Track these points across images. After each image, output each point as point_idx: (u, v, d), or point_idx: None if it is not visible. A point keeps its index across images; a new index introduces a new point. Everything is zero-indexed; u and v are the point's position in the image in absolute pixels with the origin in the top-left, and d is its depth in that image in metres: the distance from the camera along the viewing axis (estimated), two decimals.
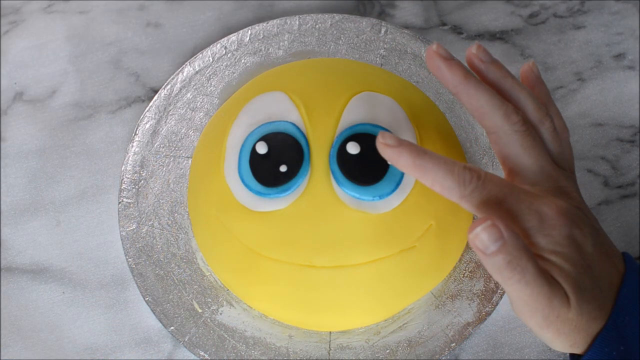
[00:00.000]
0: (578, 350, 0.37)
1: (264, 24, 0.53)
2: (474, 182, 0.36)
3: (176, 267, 0.48)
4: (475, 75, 0.39)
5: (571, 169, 0.40)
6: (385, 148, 0.37)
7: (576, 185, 0.40)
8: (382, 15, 0.56)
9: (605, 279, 0.36)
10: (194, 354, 0.46)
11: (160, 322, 0.47)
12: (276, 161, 0.44)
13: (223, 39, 0.53)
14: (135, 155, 0.51)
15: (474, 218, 0.48)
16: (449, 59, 0.38)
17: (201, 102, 0.52)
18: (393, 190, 0.43)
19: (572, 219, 0.36)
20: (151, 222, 0.49)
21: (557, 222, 0.36)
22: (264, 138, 0.44)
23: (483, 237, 0.34)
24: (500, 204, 0.36)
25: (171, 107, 0.52)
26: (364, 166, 0.43)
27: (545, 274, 0.35)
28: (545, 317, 0.35)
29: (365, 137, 0.43)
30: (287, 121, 0.45)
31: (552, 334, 0.36)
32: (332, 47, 0.53)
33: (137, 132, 0.51)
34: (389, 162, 0.37)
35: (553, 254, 0.35)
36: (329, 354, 0.46)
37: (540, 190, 0.37)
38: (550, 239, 0.36)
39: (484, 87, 0.38)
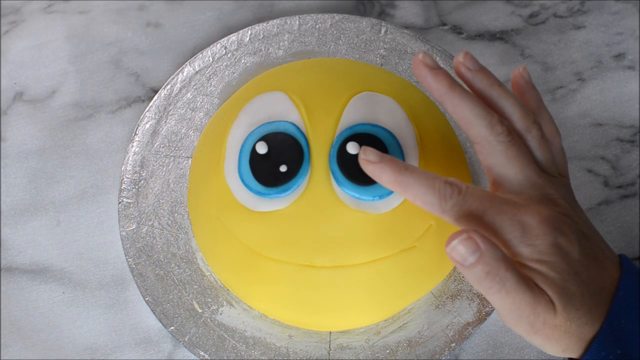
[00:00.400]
0: (573, 354, 0.37)
1: (264, 24, 0.53)
2: (455, 197, 0.36)
3: (176, 267, 0.48)
4: (462, 83, 0.39)
5: (562, 173, 0.40)
6: (367, 164, 0.38)
7: (566, 190, 0.39)
8: (382, 15, 0.56)
9: (596, 284, 0.36)
10: (194, 354, 0.46)
11: (160, 322, 0.47)
12: (276, 161, 0.44)
13: (223, 39, 0.53)
14: (135, 155, 0.51)
15: None
16: (435, 68, 0.38)
17: (201, 102, 0.52)
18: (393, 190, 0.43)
19: (557, 226, 0.36)
20: (151, 222, 0.49)
21: (541, 231, 0.36)
22: (264, 138, 0.44)
23: (460, 250, 0.34)
24: (481, 217, 0.36)
25: (171, 107, 0.52)
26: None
27: (527, 282, 0.35)
28: (531, 324, 0.35)
29: (365, 137, 0.43)
30: (287, 121, 0.45)
31: (541, 340, 0.36)
32: (332, 47, 0.53)
33: (137, 132, 0.51)
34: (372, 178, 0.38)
35: (538, 263, 0.36)
36: (329, 354, 0.46)
37: (525, 199, 0.37)
38: (534, 249, 0.36)
39: (469, 97, 0.38)
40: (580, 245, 0.36)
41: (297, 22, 0.54)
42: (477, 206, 0.36)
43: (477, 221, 0.36)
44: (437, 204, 0.36)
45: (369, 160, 0.37)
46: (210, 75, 0.53)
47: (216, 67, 0.53)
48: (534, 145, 0.39)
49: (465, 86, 0.39)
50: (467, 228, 0.35)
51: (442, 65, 0.51)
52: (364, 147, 0.38)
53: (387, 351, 0.46)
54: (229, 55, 0.53)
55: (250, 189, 0.44)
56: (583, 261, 0.36)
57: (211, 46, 0.53)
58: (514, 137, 0.38)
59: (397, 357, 0.46)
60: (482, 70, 0.39)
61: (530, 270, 0.36)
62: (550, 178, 0.39)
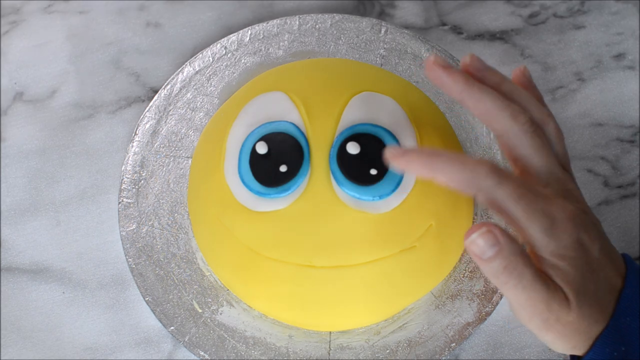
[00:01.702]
0: (579, 352, 0.37)
1: (264, 24, 0.53)
2: (492, 177, 0.35)
3: (176, 267, 0.48)
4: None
5: (571, 170, 0.40)
6: (393, 160, 0.37)
7: (578, 187, 0.40)
8: (382, 15, 0.56)
9: (609, 282, 0.36)
10: (194, 354, 0.46)
11: (160, 322, 0.47)
12: (276, 161, 0.44)
13: (223, 39, 0.53)
14: (135, 155, 0.51)
15: (474, 218, 0.48)
16: (449, 67, 0.38)
17: (201, 102, 0.52)
18: (393, 190, 0.43)
19: (581, 223, 0.36)
20: (151, 222, 0.49)
21: (567, 226, 0.36)
22: (264, 138, 0.44)
23: (479, 243, 0.34)
24: (513, 202, 0.35)
25: (171, 107, 0.52)
26: (364, 166, 0.43)
27: (543, 278, 0.35)
28: (544, 320, 0.35)
29: (365, 137, 0.43)
30: (287, 121, 0.45)
31: (553, 337, 0.36)
32: (332, 47, 0.53)
33: (137, 132, 0.51)
34: (404, 172, 0.37)
35: (559, 258, 0.35)
36: (329, 354, 0.46)
37: (552, 193, 0.37)
38: (559, 243, 0.35)
39: (488, 90, 0.38)
40: (599, 243, 0.37)
41: (297, 22, 0.54)
42: (514, 190, 0.35)
43: (507, 206, 0.35)
44: (472, 182, 0.35)
45: (394, 155, 0.36)
46: (210, 75, 0.53)
47: (216, 67, 0.53)
48: (552, 138, 0.39)
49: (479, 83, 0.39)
50: (486, 222, 0.34)
51: None
52: (387, 146, 0.37)
53: (387, 351, 0.46)
54: (229, 55, 0.53)
55: (250, 189, 0.44)
56: (601, 259, 0.36)
57: (211, 46, 0.53)
58: (537, 127, 0.38)
59: (397, 357, 0.46)
60: (490, 69, 0.39)
61: (549, 265, 0.36)
62: (568, 173, 0.39)
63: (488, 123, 0.38)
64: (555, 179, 0.37)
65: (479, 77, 0.39)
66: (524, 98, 0.39)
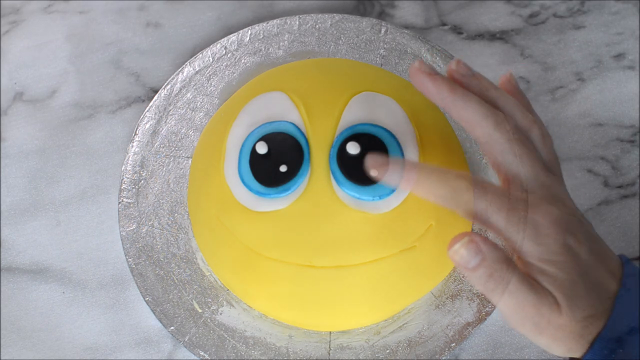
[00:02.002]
0: (577, 354, 0.37)
1: (264, 24, 0.53)
2: (470, 192, 0.36)
3: (176, 267, 0.48)
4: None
5: (560, 174, 0.40)
6: (373, 170, 0.37)
7: (567, 191, 0.40)
8: (382, 15, 0.56)
9: (601, 284, 0.36)
10: (194, 354, 0.46)
11: (160, 322, 0.47)
12: (276, 161, 0.44)
13: (223, 39, 0.53)
14: (135, 155, 0.51)
15: None
16: (433, 74, 0.38)
17: (201, 102, 0.52)
18: (393, 190, 0.43)
19: (567, 226, 0.36)
20: (151, 222, 0.49)
21: (552, 231, 0.36)
22: (264, 138, 0.44)
23: (462, 253, 0.35)
24: (494, 213, 0.36)
25: (171, 107, 0.52)
26: (364, 166, 0.43)
27: (530, 283, 0.35)
28: (536, 325, 0.36)
29: (365, 137, 0.43)
30: (287, 121, 0.45)
31: (547, 340, 0.36)
32: (332, 47, 0.53)
33: (137, 132, 0.51)
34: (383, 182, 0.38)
35: (546, 263, 0.36)
36: (329, 354, 0.46)
37: (535, 199, 0.37)
38: (544, 248, 0.36)
39: (472, 97, 0.38)
40: (588, 245, 0.37)
41: (297, 22, 0.54)
42: (493, 201, 0.36)
43: (488, 217, 0.36)
44: (450, 197, 0.36)
45: (374, 165, 0.37)
46: (210, 75, 0.53)
47: (216, 67, 0.53)
48: (538, 144, 0.39)
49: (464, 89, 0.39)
50: (468, 231, 0.35)
51: (442, 66, 0.51)
52: (368, 155, 0.37)
53: (387, 351, 0.46)
54: (229, 55, 0.53)
55: (250, 189, 0.44)
56: (590, 262, 0.36)
57: (211, 46, 0.53)
58: (520, 134, 0.38)
59: (397, 357, 0.46)
60: (476, 75, 0.39)
61: (537, 271, 0.36)
62: (555, 177, 0.39)
63: (471, 130, 0.38)
64: (540, 184, 0.37)
65: (465, 83, 0.39)
66: (509, 105, 0.39)
